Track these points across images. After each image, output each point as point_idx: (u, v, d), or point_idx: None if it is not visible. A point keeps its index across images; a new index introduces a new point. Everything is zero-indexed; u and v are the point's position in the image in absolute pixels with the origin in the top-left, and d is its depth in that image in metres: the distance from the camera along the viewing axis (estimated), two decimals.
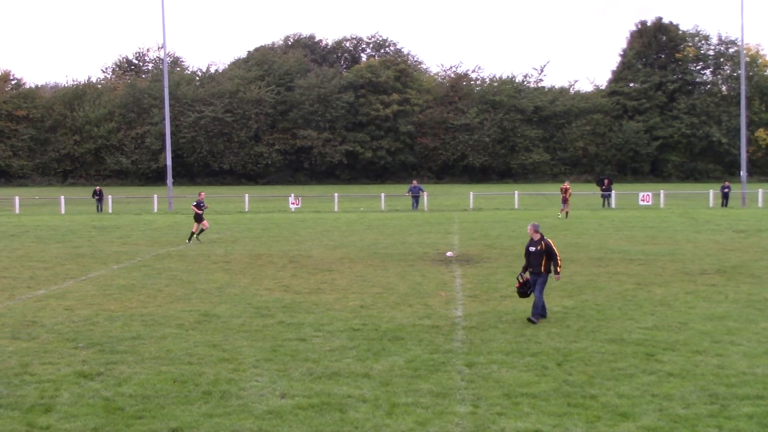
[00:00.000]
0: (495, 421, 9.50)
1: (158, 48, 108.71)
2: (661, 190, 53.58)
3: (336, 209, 48.54)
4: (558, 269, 14.78)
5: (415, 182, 53.75)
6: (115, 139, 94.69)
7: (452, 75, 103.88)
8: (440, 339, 13.61)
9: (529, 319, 14.67)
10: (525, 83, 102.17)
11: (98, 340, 13.64)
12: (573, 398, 10.34)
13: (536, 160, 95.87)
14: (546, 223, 36.99)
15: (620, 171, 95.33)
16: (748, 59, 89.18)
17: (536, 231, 14.93)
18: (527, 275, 15.08)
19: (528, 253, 14.93)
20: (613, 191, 52.03)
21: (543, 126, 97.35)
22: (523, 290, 15.11)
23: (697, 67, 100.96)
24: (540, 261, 14.73)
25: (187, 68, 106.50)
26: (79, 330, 14.48)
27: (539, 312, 14.75)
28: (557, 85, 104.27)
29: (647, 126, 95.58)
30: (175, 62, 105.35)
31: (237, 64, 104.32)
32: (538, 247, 14.77)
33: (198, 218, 30.44)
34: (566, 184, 43.27)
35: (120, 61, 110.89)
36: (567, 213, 41.57)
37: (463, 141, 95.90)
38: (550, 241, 14.90)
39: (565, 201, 42.10)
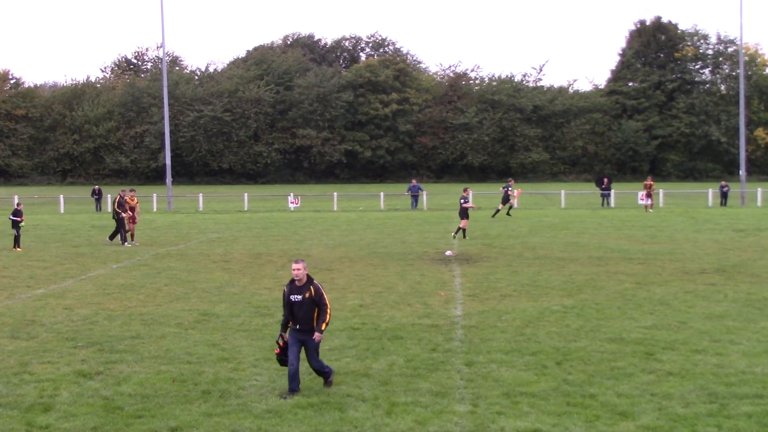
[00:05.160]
0: (494, 420, 9.50)
1: (157, 47, 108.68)
2: (661, 190, 53.54)
3: (335, 208, 48.53)
4: (323, 325, 10.70)
5: (414, 181, 53.72)
6: (114, 139, 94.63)
7: (451, 74, 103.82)
8: (439, 338, 13.61)
9: (326, 383, 10.89)
10: (524, 82, 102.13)
11: (97, 340, 13.64)
12: (572, 397, 10.34)
13: (535, 159, 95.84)
14: (546, 222, 37.01)
15: (619, 170, 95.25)
16: (747, 58, 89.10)
17: (303, 271, 10.70)
18: (288, 335, 10.85)
19: (290, 304, 10.69)
20: (612, 190, 52.05)
21: (542, 125, 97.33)
22: (284, 356, 10.79)
23: (696, 67, 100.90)
24: (310, 314, 10.66)
25: (186, 68, 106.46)
26: (78, 329, 14.48)
27: (329, 378, 10.89)
28: (556, 85, 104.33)
29: (646, 125, 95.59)
30: (174, 61, 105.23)
31: (236, 63, 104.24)
32: (306, 295, 10.62)
33: (464, 214, 29.56)
34: (649, 180, 46.62)
35: (119, 61, 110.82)
36: (648, 207, 44.54)
37: (462, 140, 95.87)
38: (320, 285, 10.91)
39: (649, 196, 45.22)
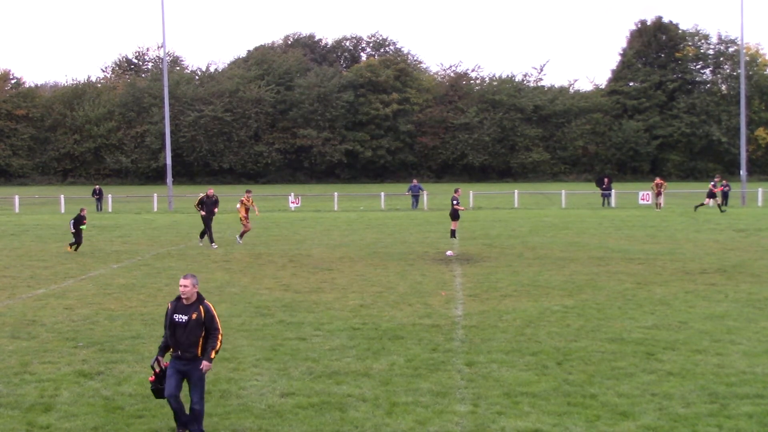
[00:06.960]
0: (495, 420, 9.50)
1: (158, 47, 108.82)
2: (661, 190, 53.49)
3: (336, 208, 48.52)
4: (213, 352, 9.07)
5: (414, 181, 53.72)
6: (115, 139, 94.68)
7: (452, 74, 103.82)
8: (440, 338, 13.61)
9: None
10: (525, 82, 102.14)
11: (98, 339, 13.64)
12: (573, 397, 10.34)
13: (536, 159, 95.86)
14: (546, 222, 36.99)
15: (620, 170, 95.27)
16: (747, 58, 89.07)
17: (191, 289, 9.09)
18: (167, 361, 9.28)
19: (173, 325, 9.07)
20: (613, 190, 52.04)
21: (543, 125, 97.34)
22: (160, 386, 9.18)
23: (697, 67, 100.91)
24: (196, 339, 9.05)
25: (186, 67, 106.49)
26: (79, 329, 14.48)
27: (199, 427, 9.12)
28: (557, 85, 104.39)
29: (647, 125, 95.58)
30: (175, 61, 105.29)
31: (237, 63, 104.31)
32: (193, 316, 9.03)
33: (454, 215, 28.60)
34: (659, 179, 48.77)
35: (120, 61, 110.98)
36: (659, 205, 46.24)
37: (462, 140, 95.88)
38: (210, 305, 9.23)
39: (659, 194, 46.80)
